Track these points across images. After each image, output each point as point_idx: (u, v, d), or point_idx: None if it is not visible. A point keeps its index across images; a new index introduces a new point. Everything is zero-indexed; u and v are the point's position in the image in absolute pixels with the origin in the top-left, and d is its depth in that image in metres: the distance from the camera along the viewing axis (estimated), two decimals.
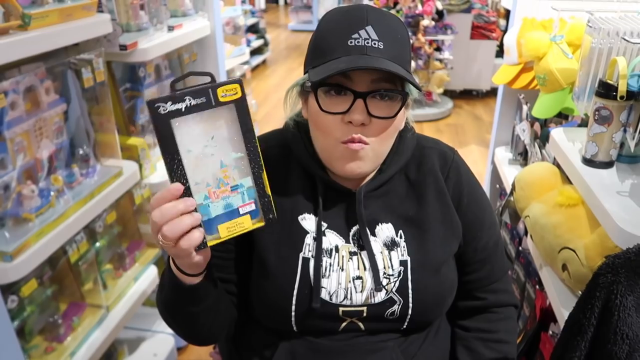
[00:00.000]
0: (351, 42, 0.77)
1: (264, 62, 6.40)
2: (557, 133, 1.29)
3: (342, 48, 0.78)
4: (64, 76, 1.31)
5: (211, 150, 0.70)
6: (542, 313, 1.37)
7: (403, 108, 0.82)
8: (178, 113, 0.67)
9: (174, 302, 0.82)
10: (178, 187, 0.68)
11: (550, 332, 1.29)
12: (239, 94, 0.69)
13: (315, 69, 0.79)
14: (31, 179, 1.21)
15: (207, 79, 0.70)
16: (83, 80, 1.33)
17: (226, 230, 0.72)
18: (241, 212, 0.73)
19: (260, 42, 6.08)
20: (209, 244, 0.72)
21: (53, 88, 1.26)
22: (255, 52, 5.93)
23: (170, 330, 1.90)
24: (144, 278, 1.63)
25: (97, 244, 1.48)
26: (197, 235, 0.69)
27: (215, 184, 0.71)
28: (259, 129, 3.31)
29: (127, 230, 1.65)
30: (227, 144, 0.71)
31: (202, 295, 0.80)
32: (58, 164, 1.31)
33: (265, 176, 0.74)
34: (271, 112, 4.67)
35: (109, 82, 1.47)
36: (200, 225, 0.70)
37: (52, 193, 1.23)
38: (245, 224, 0.73)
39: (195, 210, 0.69)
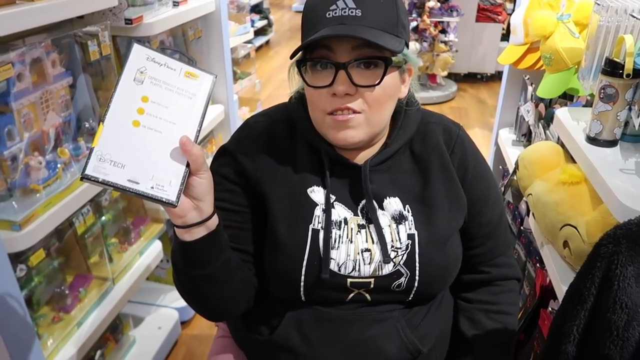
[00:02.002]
0: (329, 14, 0.77)
1: (267, 42, 6.36)
2: (561, 112, 1.29)
3: (321, 21, 0.78)
4: (70, 49, 1.31)
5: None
6: (542, 290, 1.39)
7: (397, 73, 0.82)
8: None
9: (178, 262, 0.81)
10: None
11: (550, 309, 1.31)
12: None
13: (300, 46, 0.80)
14: (38, 150, 1.21)
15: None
16: (89, 53, 1.33)
17: None
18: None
19: (263, 22, 6.02)
20: None
21: (59, 61, 1.26)
22: (258, 32, 5.87)
23: (174, 304, 1.95)
24: (149, 253, 1.65)
25: (103, 218, 1.49)
26: None
27: None
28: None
29: (132, 205, 1.66)
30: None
31: (204, 258, 0.78)
32: (65, 137, 1.31)
33: None
34: (274, 93, 4.65)
35: (114, 57, 1.47)
36: None
37: (59, 165, 1.24)
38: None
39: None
